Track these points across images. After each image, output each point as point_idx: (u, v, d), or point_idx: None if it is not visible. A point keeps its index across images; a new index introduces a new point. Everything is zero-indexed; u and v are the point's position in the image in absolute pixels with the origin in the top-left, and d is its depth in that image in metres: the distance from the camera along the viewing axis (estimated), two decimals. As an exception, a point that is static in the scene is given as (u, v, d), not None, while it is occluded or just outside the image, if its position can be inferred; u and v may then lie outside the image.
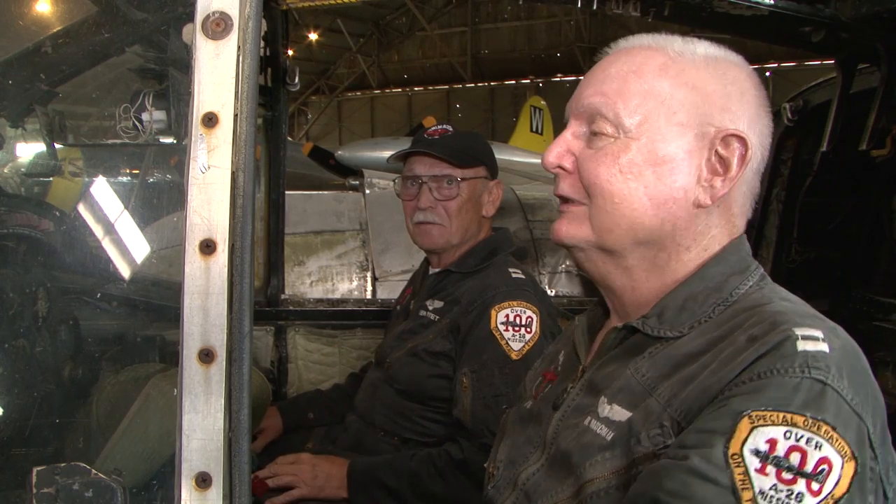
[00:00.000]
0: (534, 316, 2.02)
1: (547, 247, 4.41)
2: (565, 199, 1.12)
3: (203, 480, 0.98)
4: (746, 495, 0.82)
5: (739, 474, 0.82)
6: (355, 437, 2.25)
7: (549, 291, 4.18)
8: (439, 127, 2.29)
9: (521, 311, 2.02)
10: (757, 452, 0.83)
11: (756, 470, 0.82)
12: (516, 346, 1.98)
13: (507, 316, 2.01)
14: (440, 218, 2.20)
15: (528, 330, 2.00)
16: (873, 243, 2.71)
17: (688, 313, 1.04)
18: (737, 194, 1.07)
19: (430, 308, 2.21)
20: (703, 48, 1.08)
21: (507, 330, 2.00)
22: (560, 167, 1.12)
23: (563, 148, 1.11)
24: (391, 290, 4.09)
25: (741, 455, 0.83)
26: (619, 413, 1.01)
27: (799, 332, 0.89)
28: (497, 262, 2.20)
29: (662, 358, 1.01)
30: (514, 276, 2.13)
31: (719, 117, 1.04)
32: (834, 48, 2.06)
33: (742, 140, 1.03)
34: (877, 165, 2.52)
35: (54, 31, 1.89)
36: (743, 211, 1.10)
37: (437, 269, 2.30)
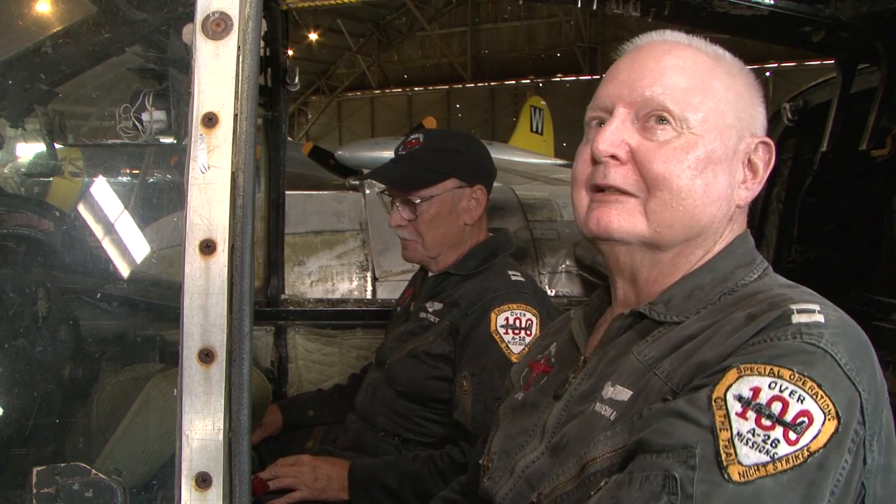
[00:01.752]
0: (534, 318, 2.01)
1: (547, 247, 4.41)
2: (616, 191, 1.08)
3: (203, 480, 0.98)
4: (724, 435, 0.84)
5: (720, 416, 0.85)
6: (355, 437, 2.25)
7: (549, 291, 4.17)
8: (413, 137, 2.25)
9: (520, 313, 2.02)
10: (739, 398, 0.85)
11: (737, 413, 0.85)
12: (516, 348, 1.98)
13: (507, 319, 2.01)
14: (411, 235, 2.21)
15: (529, 332, 1.99)
16: (873, 243, 2.70)
17: (694, 301, 1.07)
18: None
19: (430, 310, 2.20)
20: (726, 54, 1.13)
21: (507, 333, 2.00)
22: (614, 156, 1.07)
23: (618, 137, 1.07)
24: (391, 290, 4.09)
25: (724, 399, 0.86)
26: (622, 392, 1.03)
27: (795, 307, 0.93)
28: (496, 265, 2.20)
29: (664, 340, 1.04)
30: (513, 278, 2.13)
31: (754, 123, 1.11)
32: (834, 48, 2.06)
33: (767, 146, 1.09)
34: (877, 165, 2.52)
35: (54, 31, 1.88)
36: (746, 210, 1.15)
37: (435, 273, 2.30)
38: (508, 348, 1.98)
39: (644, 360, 1.03)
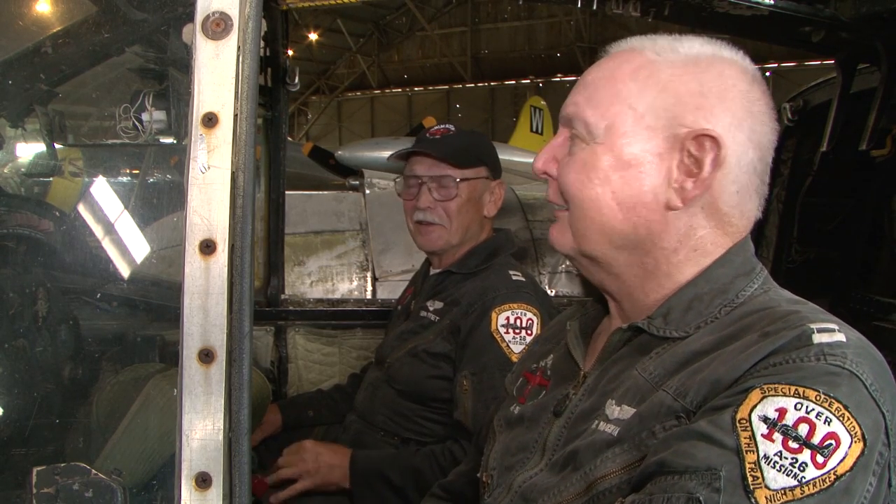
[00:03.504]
0: (534, 318, 2.01)
1: (547, 247, 4.41)
2: (556, 206, 1.14)
3: (203, 480, 0.98)
4: (750, 458, 0.82)
5: (745, 438, 0.83)
6: (355, 436, 2.25)
7: (549, 291, 4.17)
8: (441, 126, 2.28)
9: (521, 313, 2.02)
10: (765, 419, 0.83)
11: (763, 435, 0.82)
12: (517, 348, 1.98)
13: (508, 318, 2.01)
14: (439, 218, 2.19)
15: (529, 332, 2.00)
16: (873, 243, 2.71)
17: (693, 313, 1.03)
18: (723, 194, 1.03)
19: (431, 309, 2.20)
20: (687, 47, 1.06)
21: (507, 332, 2.00)
22: (546, 173, 1.14)
23: (550, 155, 1.13)
24: (391, 290, 4.09)
25: (749, 420, 0.83)
26: (627, 411, 1.01)
27: (814, 326, 0.90)
28: (497, 264, 2.20)
29: (669, 356, 1.01)
30: (514, 277, 2.13)
31: (692, 117, 1.02)
32: (834, 48, 2.06)
33: (714, 140, 1.00)
34: (877, 165, 2.53)
35: (54, 31, 1.88)
36: (741, 211, 1.06)
37: (437, 270, 2.30)
38: (509, 348, 1.98)
39: (649, 377, 1.00)
